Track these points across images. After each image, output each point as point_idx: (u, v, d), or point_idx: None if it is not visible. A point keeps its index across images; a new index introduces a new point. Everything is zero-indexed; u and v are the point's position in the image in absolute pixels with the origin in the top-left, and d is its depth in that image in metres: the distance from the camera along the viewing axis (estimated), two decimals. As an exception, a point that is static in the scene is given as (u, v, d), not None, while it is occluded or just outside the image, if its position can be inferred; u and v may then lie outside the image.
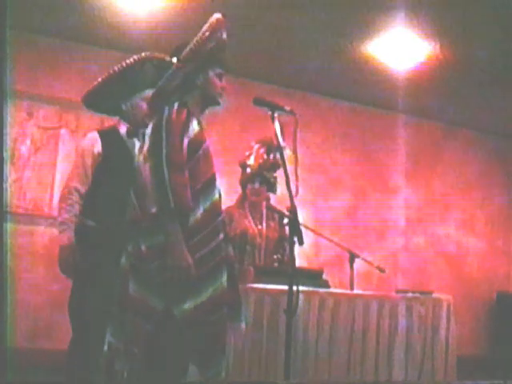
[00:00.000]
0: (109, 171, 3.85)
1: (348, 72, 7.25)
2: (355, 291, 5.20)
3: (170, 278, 2.93)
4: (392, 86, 7.32)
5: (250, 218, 5.22)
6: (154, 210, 3.00)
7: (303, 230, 3.38)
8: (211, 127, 7.43)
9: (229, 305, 3.17)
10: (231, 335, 3.36)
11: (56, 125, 6.69)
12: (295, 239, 3.25)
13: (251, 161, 5.16)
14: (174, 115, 3.09)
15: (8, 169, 6.34)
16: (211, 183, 3.23)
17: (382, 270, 5.63)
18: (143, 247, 3.03)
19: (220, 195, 3.32)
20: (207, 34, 3.18)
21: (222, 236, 3.20)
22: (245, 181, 5.22)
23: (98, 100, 4.00)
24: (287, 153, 4.34)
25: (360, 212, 8.35)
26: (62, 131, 6.57)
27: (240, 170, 5.23)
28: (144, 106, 3.78)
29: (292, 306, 3.15)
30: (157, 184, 2.97)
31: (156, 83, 3.40)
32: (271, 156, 5.18)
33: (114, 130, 4.00)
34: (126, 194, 3.74)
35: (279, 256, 5.20)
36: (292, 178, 3.35)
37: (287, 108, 3.59)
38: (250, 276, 4.55)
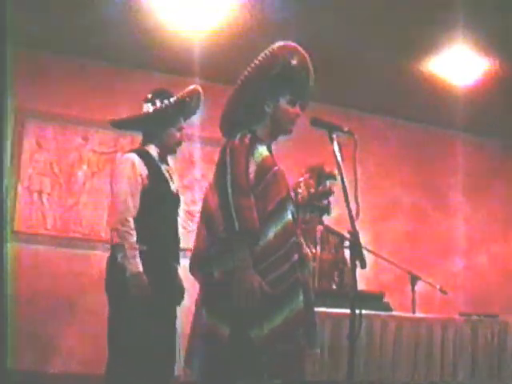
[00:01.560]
0: (155, 194, 3.88)
1: (406, 91, 7.15)
2: (417, 314, 5.10)
3: (237, 304, 2.88)
4: (451, 104, 7.18)
5: (303, 241, 5.15)
6: (223, 235, 2.98)
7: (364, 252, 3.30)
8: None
9: (305, 327, 3.09)
10: (306, 361, 3.28)
11: (112, 149, 6.72)
12: (357, 262, 3.17)
13: (301, 190, 5.14)
14: (236, 142, 3.09)
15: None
16: (282, 205, 3.21)
17: (444, 292, 5.53)
18: (216, 273, 2.99)
19: (294, 216, 3.31)
20: (261, 60, 3.23)
21: (296, 257, 3.16)
22: (296, 209, 5.19)
23: (147, 124, 4.01)
24: (335, 181, 4.31)
25: (420, 233, 8.19)
26: (118, 155, 6.58)
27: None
28: (177, 134, 3.94)
29: (354, 331, 3.06)
30: (222, 208, 2.97)
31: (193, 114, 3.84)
32: (321, 185, 5.16)
33: (147, 153, 3.99)
34: (173, 217, 4.02)
35: (337, 279, 5.15)
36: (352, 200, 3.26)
37: (345, 128, 3.51)
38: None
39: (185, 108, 3.97)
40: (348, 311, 3.14)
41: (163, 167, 4.00)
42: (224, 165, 3.04)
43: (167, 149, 4.02)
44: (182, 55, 6.32)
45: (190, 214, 6.90)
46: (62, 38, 6.30)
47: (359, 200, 3.29)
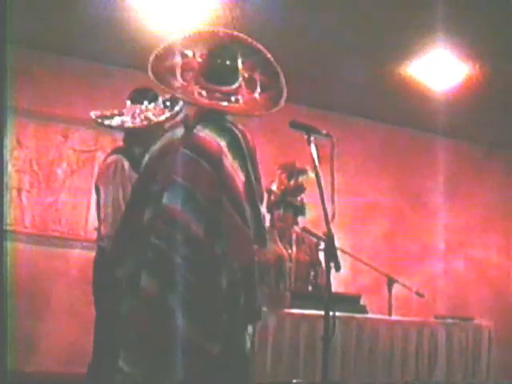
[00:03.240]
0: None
1: (387, 94, 7.19)
2: (393, 317, 5.12)
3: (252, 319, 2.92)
4: (431, 108, 7.23)
5: (280, 242, 5.19)
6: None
7: (340, 254, 3.31)
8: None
9: None
10: None
11: (92, 148, 6.71)
12: (332, 265, 3.18)
13: (274, 187, 5.19)
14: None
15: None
16: None
17: (420, 295, 5.56)
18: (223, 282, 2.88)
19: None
20: None
21: None
22: (270, 207, 5.24)
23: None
24: (309, 176, 4.32)
25: (399, 236, 8.22)
26: (98, 154, 6.57)
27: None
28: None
29: (329, 333, 3.08)
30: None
31: None
32: (293, 180, 5.19)
33: (133, 154, 3.91)
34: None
35: (312, 280, 5.17)
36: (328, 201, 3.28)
37: (323, 131, 3.54)
38: (286, 301, 4.51)
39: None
40: (323, 313, 3.17)
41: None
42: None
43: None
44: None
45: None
46: (43, 35, 6.28)
47: (336, 201, 3.31)
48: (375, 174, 8.18)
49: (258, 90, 3.28)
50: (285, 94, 3.37)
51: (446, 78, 6.58)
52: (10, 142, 6.53)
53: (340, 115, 7.87)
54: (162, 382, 2.78)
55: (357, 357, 4.48)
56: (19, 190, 6.45)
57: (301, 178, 5.25)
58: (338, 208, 7.10)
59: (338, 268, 3.15)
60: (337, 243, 5.32)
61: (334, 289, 5.29)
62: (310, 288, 5.15)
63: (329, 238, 3.19)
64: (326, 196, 3.27)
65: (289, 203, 5.17)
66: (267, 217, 5.26)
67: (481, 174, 8.80)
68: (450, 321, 5.06)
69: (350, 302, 4.81)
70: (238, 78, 3.24)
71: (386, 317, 5.04)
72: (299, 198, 5.25)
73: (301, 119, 3.62)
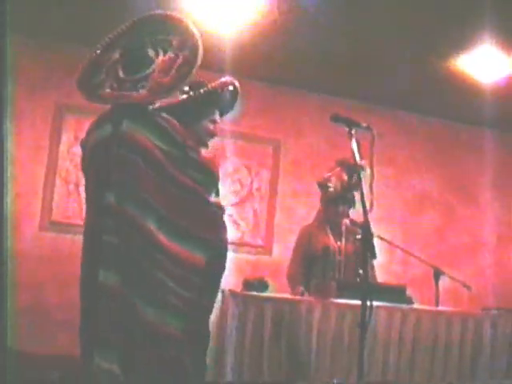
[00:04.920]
0: None
1: (435, 87, 7.20)
2: (440, 308, 5.14)
3: None
4: (479, 100, 7.22)
5: (331, 235, 5.28)
6: None
7: (380, 244, 3.40)
8: (298, 145, 7.58)
9: None
10: None
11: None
12: (369, 254, 3.27)
13: (333, 183, 5.22)
14: None
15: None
16: None
17: (468, 287, 5.57)
18: None
19: None
20: None
21: None
22: (327, 201, 5.30)
23: (179, 115, 3.96)
24: (366, 172, 4.38)
25: (449, 228, 8.23)
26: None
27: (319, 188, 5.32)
28: (210, 127, 3.67)
29: (365, 320, 3.16)
30: None
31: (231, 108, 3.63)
32: (353, 177, 5.23)
33: None
34: None
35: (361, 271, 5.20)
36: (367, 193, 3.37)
37: (364, 124, 3.62)
38: (332, 291, 4.58)
39: (218, 100, 3.74)
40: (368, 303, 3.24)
41: None
42: None
43: (199, 141, 4.02)
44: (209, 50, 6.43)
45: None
46: (99, 32, 6.43)
47: (374, 192, 3.40)
48: (424, 168, 8.19)
49: (173, 71, 3.08)
50: (193, 71, 3.08)
51: (492, 71, 6.58)
52: (67, 138, 6.75)
53: (388, 109, 7.91)
54: (139, 373, 2.82)
55: (400, 347, 4.52)
56: (77, 185, 6.64)
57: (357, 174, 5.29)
58: (389, 201, 7.20)
59: (373, 256, 3.23)
60: (387, 236, 5.42)
61: (382, 280, 5.41)
62: (358, 279, 5.19)
63: (365, 228, 3.28)
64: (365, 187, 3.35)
65: (346, 199, 5.24)
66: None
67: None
68: (494, 312, 5.06)
69: (396, 292, 4.84)
70: (150, 64, 3.11)
71: (430, 307, 5.06)
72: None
73: (348, 113, 3.71)
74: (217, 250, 3.01)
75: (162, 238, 2.85)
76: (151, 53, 3.14)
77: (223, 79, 3.70)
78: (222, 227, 3.09)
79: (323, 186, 5.27)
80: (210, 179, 3.09)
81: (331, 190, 5.21)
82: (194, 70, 3.06)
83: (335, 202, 5.26)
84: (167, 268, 2.84)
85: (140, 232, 2.82)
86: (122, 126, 2.95)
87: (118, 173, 2.89)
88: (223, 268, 3.05)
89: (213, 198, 3.05)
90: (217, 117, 3.68)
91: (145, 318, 2.79)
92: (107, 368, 2.80)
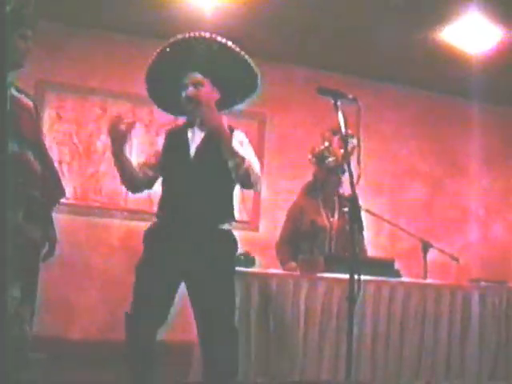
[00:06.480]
0: None
1: (422, 59, 7.15)
2: (428, 281, 5.13)
3: None
4: (466, 72, 7.16)
5: (323, 210, 5.18)
6: None
7: (365, 217, 3.36)
8: (284, 119, 7.52)
9: None
10: None
11: (129, 120, 6.79)
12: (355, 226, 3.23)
13: (333, 152, 5.08)
14: None
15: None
16: None
17: (455, 259, 5.55)
18: None
19: None
20: None
21: None
22: (327, 172, 5.13)
23: None
24: (353, 142, 4.32)
25: (437, 201, 8.22)
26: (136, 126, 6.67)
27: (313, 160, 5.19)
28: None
29: (354, 294, 3.13)
30: None
31: None
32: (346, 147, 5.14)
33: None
34: None
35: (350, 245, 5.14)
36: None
37: (350, 96, 3.56)
38: (319, 265, 4.55)
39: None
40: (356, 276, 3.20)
41: None
42: None
43: None
44: (198, 28, 6.36)
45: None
46: (79, 9, 6.38)
47: (362, 165, 3.35)
48: (412, 141, 8.17)
49: None
50: None
51: (480, 42, 6.51)
52: (49, 115, 6.67)
53: (375, 82, 7.85)
54: None
55: (389, 320, 4.51)
56: (60, 162, 6.58)
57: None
58: (376, 174, 7.15)
59: (360, 229, 3.20)
60: (375, 209, 5.38)
61: (370, 254, 5.39)
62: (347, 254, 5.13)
63: (353, 200, 3.23)
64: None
65: (343, 169, 5.05)
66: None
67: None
68: (483, 284, 5.05)
69: (384, 266, 4.82)
70: None
71: (419, 280, 5.05)
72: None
73: (335, 86, 3.65)
74: None
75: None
76: None
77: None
78: None
79: (320, 156, 5.13)
80: None
81: (331, 159, 5.06)
82: None
83: (336, 172, 5.11)
84: None
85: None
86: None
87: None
88: None
89: None
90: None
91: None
92: None
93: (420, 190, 8.16)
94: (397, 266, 4.92)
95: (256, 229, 7.23)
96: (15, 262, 2.91)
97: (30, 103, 3.40)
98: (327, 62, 7.41)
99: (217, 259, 3.60)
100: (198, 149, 3.76)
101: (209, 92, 3.76)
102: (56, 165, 6.44)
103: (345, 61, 7.33)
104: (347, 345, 3.19)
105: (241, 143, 3.73)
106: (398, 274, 4.83)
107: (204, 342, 3.65)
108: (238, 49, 3.75)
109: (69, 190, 6.62)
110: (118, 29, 6.74)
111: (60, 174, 6.40)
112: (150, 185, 3.98)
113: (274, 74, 7.53)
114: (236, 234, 3.74)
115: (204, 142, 3.76)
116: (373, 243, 6.19)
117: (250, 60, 3.79)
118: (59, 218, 6.47)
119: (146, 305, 3.61)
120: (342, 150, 4.94)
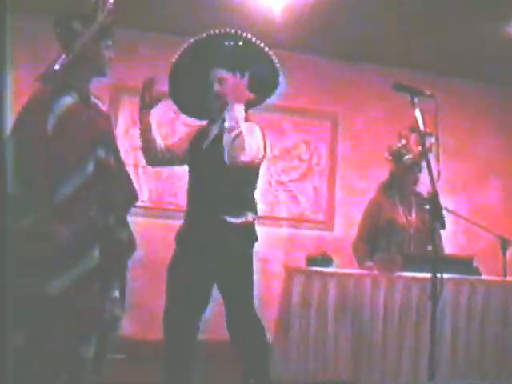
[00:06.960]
0: None
1: (496, 53, 7.00)
2: (508, 278, 5.04)
3: None
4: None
5: (400, 208, 5.13)
6: None
7: (447, 215, 3.31)
8: (357, 118, 7.48)
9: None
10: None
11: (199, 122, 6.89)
12: (437, 224, 3.19)
13: (411, 150, 5.04)
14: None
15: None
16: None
17: (536, 257, 5.44)
18: None
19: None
20: None
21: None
22: (403, 171, 5.09)
23: None
24: (431, 139, 4.27)
25: (515, 199, 8.05)
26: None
27: (390, 158, 5.15)
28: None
29: (436, 293, 3.09)
30: None
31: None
32: (425, 145, 5.09)
33: None
34: None
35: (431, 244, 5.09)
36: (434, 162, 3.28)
37: (427, 92, 3.53)
38: (397, 264, 4.52)
39: None
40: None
41: None
42: None
43: None
44: (266, 29, 6.39)
45: (279, 183, 7.09)
46: (150, 15, 6.48)
47: (440, 161, 3.31)
48: (487, 136, 8.01)
49: None
50: None
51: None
52: (125, 120, 6.77)
53: (447, 78, 7.73)
54: None
55: (469, 318, 4.45)
56: (136, 166, 6.67)
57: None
58: (452, 171, 7.04)
59: (443, 226, 3.15)
60: (452, 207, 5.30)
61: (448, 252, 5.31)
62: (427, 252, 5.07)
63: (433, 198, 3.19)
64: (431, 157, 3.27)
65: (421, 166, 5.03)
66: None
67: None
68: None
69: (463, 263, 4.75)
70: None
71: (499, 278, 4.96)
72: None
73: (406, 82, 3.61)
74: None
75: None
76: None
77: None
78: None
79: (398, 154, 5.09)
80: None
81: (409, 157, 5.02)
82: None
83: (413, 170, 5.08)
84: None
85: None
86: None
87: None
88: None
89: None
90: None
91: None
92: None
93: (496, 186, 8.00)
94: (475, 263, 4.84)
95: (331, 228, 7.20)
96: (113, 264, 2.99)
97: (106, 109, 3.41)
98: (397, 59, 7.33)
99: (229, 254, 3.74)
100: (210, 144, 3.90)
101: (236, 86, 3.76)
102: (132, 169, 6.69)
103: (415, 57, 7.24)
104: (430, 344, 3.16)
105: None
106: (477, 272, 4.76)
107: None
108: (262, 44, 3.79)
109: (144, 194, 6.74)
110: (189, 33, 6.78)
111: (135, 178, 6.70)
112: (166, 163, 4.29)
113: (344, 73, 7.51)
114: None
115: (216, 137, 3.88)
116: (450, 241, 6.10)
117: (274, 56, 3.85)
118: (136, 220, 6.66)
119: (185, 304, 3.84)
120: (419, 148, 4.91)
